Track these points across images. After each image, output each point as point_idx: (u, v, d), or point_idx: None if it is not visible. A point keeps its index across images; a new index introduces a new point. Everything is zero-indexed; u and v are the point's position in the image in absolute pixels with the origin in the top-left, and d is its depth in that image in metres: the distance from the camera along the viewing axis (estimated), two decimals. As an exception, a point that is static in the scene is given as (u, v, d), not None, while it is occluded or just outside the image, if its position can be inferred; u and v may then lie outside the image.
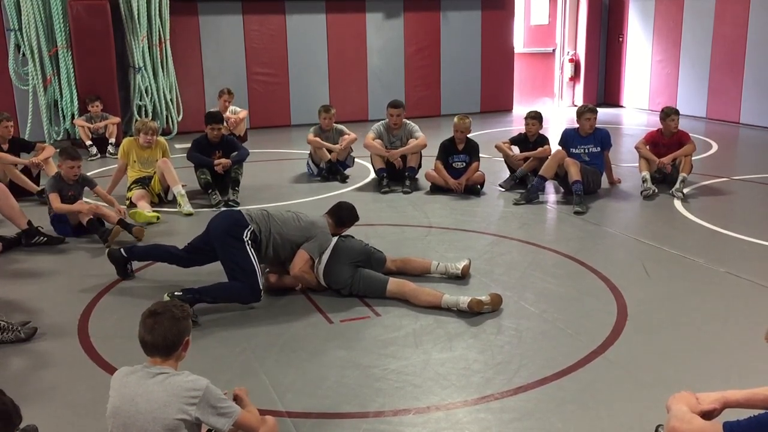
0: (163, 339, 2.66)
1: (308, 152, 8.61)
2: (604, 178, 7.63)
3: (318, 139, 8.37)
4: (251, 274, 4.61)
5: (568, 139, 7.45)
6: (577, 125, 7.52)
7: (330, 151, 8.36)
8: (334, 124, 8.56)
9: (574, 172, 6.98)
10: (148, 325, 2.68)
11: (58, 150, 6.85)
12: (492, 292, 4.56)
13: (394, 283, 4.71)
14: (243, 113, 10.45)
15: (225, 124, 8.92)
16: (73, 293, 5.04)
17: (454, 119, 7.64)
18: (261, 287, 4.67)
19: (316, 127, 8.56)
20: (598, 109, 7.74)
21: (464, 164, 7.64)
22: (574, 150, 7.35)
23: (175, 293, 4.41)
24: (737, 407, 2.57)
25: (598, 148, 7.39)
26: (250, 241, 4.66)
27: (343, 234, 5.05)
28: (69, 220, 6.22)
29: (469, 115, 7.88)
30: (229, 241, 4.67)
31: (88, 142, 9.93)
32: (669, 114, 7.63)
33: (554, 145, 7.75)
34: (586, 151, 7.36)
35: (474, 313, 4.44)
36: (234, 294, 4.66)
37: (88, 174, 7.94)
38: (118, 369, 2.82)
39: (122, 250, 5.22)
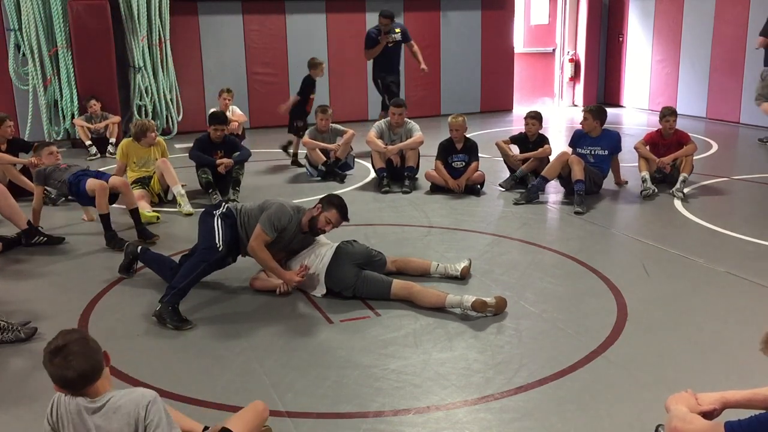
0: (83, 368, 2.38)
1: (305, 153, 8.60)
2: (606, 180, 7.60)
3: (312, 140, 8.37)
4: (210, 231, 4.75)
5: (578, 138, 7.46)
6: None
7: (326, 152, 8.36)
8: (332, 124, 8.56)
9: (578, 171, 6.96)
10: (61, 361, 2.36)
11: (34, 146, 6.88)
12: (497, 296, 4.55)
13: (398, 285, 4.70)
14: (242, 118, 10.30)
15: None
16: (73, 293, 5.04)
17: (449, 119, 7.67)
18: (220, 244, 4.70)
19: (313, 128, 8.56)
20: (602, 108, 7.69)
21: (463, 164, 7.64)
22: (581, 150, 7.34)
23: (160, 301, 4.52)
24: (737, 407, 2.57)
25: (606, 152, 7.36)
26: (221, 215, 4.85)
27: (347, 240, 5.02)
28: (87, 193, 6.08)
29: (463, 114, 7.89)
30: (203, 217, 4.94)
31: (88, 142, 9.94)
32: (665, 115, 7.64)
33: (554, 145, 7.75)
34: (593, 152, 7.34)
35: (477, 313, 4.45)
36: (197, 261, 4.67)
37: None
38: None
39: (139, 248, 5.24)
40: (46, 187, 6.49)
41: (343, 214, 4.88)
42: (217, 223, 4.80)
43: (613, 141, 7.44)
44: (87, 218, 6.70)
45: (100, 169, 7.18)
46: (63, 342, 2.40)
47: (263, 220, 4.74)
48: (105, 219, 5.99)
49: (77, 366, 2.37)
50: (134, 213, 6.14)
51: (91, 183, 6.03)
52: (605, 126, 7.50)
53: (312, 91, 9.29)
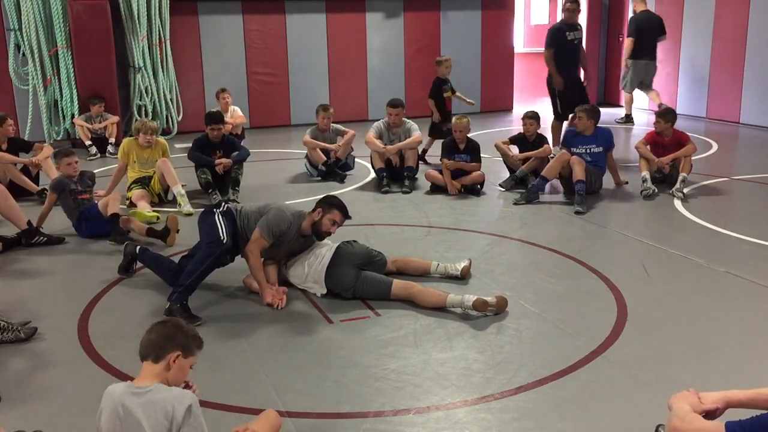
0: (158, 336, 2.67)
1: (306, 153, 8.61)
2: (606, 180, 7.61)
3: (313, 140, 8.37)
4: (212, 227, 4.74)
5: (571, 138, 7.47)
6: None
7: (326, 152, 8.36)
8: (333, 124, 8.56)
9: (579, 171, 6.97)
10: (152, 327, 2.72)
11: (55, 150, 6.86)
12: (498, 295, 4.55)
13: (399, 285, 4.70)
14: (240, 119, 10.30)
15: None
16: (73, 293, 5.05)
17: (452, 119, 7.67)
18: (224, 236, 4.69)
19: (314, 128, 8.56)
20: (599, 108, 7.73)
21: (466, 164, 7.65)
22: (575, 149, 7.34)
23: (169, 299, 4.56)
24: (740, 407, 2.57)
25: (601, 148, 7.38)
26: (221, 213, 4.86)
27: (347, 240, 5.02)
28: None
29: (467, 115, 7.90)
30: (203, 216, 4.93)
31: (88, 142, 9.92)
32: (657, 115, 7.67)
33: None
34: (588, 150, 7.35)
35: (478, 312, 4.44)
36: (204, 256, 4.66)
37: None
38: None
39: (137, 248, 5.24)
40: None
41: (345, 213, 4.89)
42: (219, 219, 4.80)
43: (606, 137, 7.46)
44: (101, 194, 6.89)
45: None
46: (168, 318, 2.82)
47: (262, 225, 4.74)
48: (115, 218, 6.04)
49: (152, 333, 2.68)
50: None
51: (101, 205, 6.16)
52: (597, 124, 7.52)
53: (445, 90, 9.20)
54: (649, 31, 11.45)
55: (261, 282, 4.76)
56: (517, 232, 6.29)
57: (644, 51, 11.47)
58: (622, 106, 14.20)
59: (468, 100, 9.77)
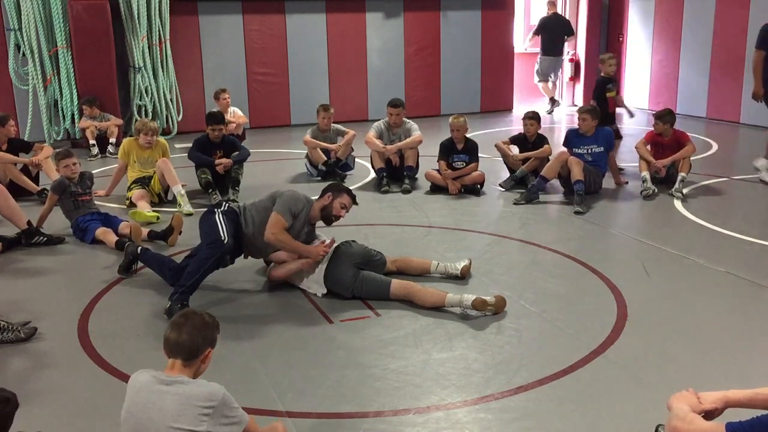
0: (190, 338, 2.65)
1: (306, 153, 8.61)
2: (606, 180, 7.62)
3: (313, 140, 8.37)
4: (213, 227, 4.73)
5: (572, 138, 7.47)
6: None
7: (327, 151, 8.36)
8: (333, 124, 8.57)
9: (577, 172, 6.98)
10: (178, 323, 2.69)
11: (55, 151, 6.86)
12: (497, 295, 4.55)
13: (397, 285, 4.70)
14: (242, 119, 10.32)
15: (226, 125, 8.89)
16: (73, 293, 5.05)
17: (450, 119, 7.68)
18: (224, 236, 4.67)
19: (314, 127, 8.57)
20: (597, 108, 7.74)
21: (465, 164, 7.65)
22: (576, 149, 7.35)
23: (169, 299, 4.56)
24: (739, 407, 2.57)
25: (602, 148, 7.39)
26: (222, 212, 4.86)
27: (346, 240, 5.02)
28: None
29: (463, 114, 7.91)
30: (204, 216, 4.93)
31: (92, 141, 9.89)
32: (656, 117, 7.66)
33: (556, 145, 7.73)
34: (589, 150, 7.36)
35: (477, 311, 4.45)
36: (205, 256, 4.66)
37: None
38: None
39: (139, 248, 5.25)
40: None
41: (353, 197, 5.01)
42: (219, 219, 4.80)
43: (607, 137, 7.47)
44: (102, 194, 6.94)
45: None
46: (191, 313, 2.75)
47: (279, 207, 4.78)
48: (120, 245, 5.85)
49: (183, 333, 2.65)
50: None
51: (100, 235, 6.01)
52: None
53: (609, 90, 8.67)
54: (555, 31, 13.01)
55: (300, 247, 4.80)
56: (517, 232, 6.29)
57: (551, 48, 13.09)
58: (623, 106, 14.22)
59: (630, 110, 9.07)
